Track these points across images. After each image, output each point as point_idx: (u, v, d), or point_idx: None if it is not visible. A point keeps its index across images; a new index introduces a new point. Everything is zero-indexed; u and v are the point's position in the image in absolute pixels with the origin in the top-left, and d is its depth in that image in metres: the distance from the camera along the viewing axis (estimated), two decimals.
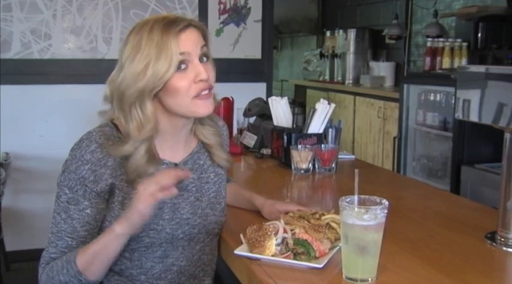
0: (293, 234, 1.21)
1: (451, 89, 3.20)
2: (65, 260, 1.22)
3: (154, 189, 1.16)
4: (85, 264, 1.21)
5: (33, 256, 3.44)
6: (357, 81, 5.03)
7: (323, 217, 1.32)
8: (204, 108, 1.26)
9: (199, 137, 1.39)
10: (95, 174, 1.23)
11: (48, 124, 3.51)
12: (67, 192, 1.24)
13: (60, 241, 1.25)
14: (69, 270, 1.21)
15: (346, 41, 5.16)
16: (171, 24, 1.22)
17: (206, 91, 1.25)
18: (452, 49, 3.67)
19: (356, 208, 1.08)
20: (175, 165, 1.33)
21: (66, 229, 1.25)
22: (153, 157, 1.26)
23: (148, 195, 1.15)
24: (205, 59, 1.27)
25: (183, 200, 1.33)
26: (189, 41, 1.23)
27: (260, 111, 2.51)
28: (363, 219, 1.07)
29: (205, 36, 1.30)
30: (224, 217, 1.41)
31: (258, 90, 3.70)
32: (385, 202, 1.10)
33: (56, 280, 1.23)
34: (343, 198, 1.11)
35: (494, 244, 1.31)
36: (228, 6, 3.80)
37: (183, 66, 1.22)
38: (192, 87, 1.23)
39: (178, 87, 1.22)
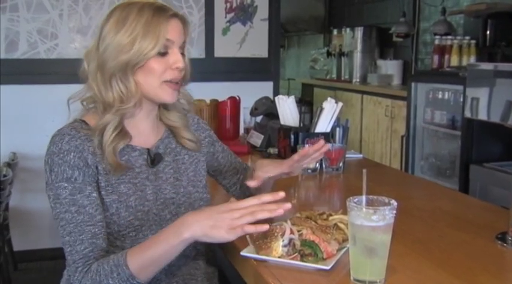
0: (300, 235, 1.20)
1: (460, 87, 3.17)
2: (113, 264, 1.16)
3: (242, 220, 1.13)
4: (140, 268, 1.16)
5: (40, 255, 3.49)
6: (364, 79, 5.01)
7: (330, 218, 1.31)
8: (170, 96, 1.31)
9: (164, 122, 1.42)
10: (81, 159, 1.24)
11: (55, 124, 3.45)
12: (66, 185, 1.23)
13: (83, 234, 1.21)
14: (121, 274, 1.15)
15: (353, 39, 5.13)
16: (162, 9, 1.28)
17: (177, 80, 1.30)
18: (460, 47, 3.64)
19: (364, 209, 1.06)
20: (148, 150, 1.35)
21: (84, 218, 1.21)
22: (124, 133, 1.29)
23: (236, 225, 1.12)
24: (182, 52, 1.32)
25: (163, 181, 1.35)
26: (175, 30, 1.29)
27: (267, 110, 2.49)
28: (371, 220, 1.05)
29: (186, 32, 1.34)
30: (208, 195, 1.44)
31: (264, 89, 3.69)
32: (394, 202, 1.08)
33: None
34: (351, 198, 1.09)
35: (505, 244, 1.28)
36: (234, 5, 3.79)
37: (164, 52, 1.27)
38: (167, 72, 1.28)
39: (154, 69, 1.27)
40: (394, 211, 1.07)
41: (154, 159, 1.35)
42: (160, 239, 1.16)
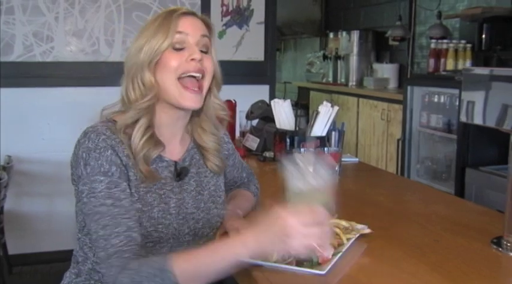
0: None
1: (455, 91, 3.18)
2: (158, 268, 1.09)
3: (315, 234, 1.05)
4: (186, 279, 1.09)
5: (35, 259, 3.47)
6: (360, 83, 5.02)
7: None
8: (191, 101, 1.29)
9: (196, 140, 1.41)
10: (118, 157, 1.22)
11: (51, 127, 3.50)
12: (102, 178, 1.19)
13: (119, 227, 1.16)
14: (165, 280, 1.08)
15: (349, 42, 5.14)
16: (174, 10, 1.32)
17: (195, 74, 1.28)
18: (456, 50, 3.65)
19: (302, 168, 1.04)
20: (175, 163, 1.35)
21: (120, 211, 1.18)
22: (156, 140, 1.28)
23: (308, 238, 1.05)
24: (205, 51, 1.31)
25: (187, 194, 1.34)
26: (188, 23, 1.30)
27: (263, 113, 2.49)
28: (310, 180, 1.03)
29: (210, 31, 1.34)
30: (225, 210, 1.42)
31: (260, 92, 3.69)
32: (335, 164, 1.05)
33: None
34: (288, 156, 1.08)
35: (500, 249, 1.29)
36: (230, 8, 3.79)
37: (179, 46, 1.28)
38: (182, 66, 1.27)
39: (169, 64, 1.27)
40: (334, 172, 1.04)
41: (180, 172, 1.34)
42: (207, 251, 1.11)
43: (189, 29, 1.29)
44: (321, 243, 1.06)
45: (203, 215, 1.36)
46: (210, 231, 1.38)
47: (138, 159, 1.24)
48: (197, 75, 1.29)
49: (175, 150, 1.36)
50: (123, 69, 1.33)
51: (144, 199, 1.26)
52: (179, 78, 1.27)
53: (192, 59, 1.27)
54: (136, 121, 1.27)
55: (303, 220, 1.04)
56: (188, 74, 1.28)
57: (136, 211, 1.24)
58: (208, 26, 1.34)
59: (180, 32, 1.27)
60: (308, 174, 1.03)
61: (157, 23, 1.29)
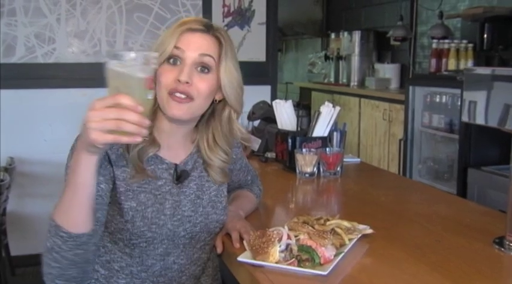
0: (297, 240, 1.20)
1: (457, 91, 3.18)
2: (48, 226, 1.13)
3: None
4: (61, 212, 1.10)
5: (38, 260, 3.44)
6: (362, 83, 5.01)
7: (328, 223, 1.30)
8: (174, 110, 1.27)
9: (201, 153, 1.39)
10: (105, 154, 1.22)
11: (53, 129, 3.51)
12: None
13: None
14: (51, 230, 1.11)
15: (351, 43, 5.14)
16: (183, 23, 1.30)
17: (182, 95, 1.26)
18: (458, 50, 3.65)
19: (124, 55, 1.00)
20: (175, 165, 1.35)
21: None
22: (153, 138, 1.29)
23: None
24: (206, 70, 1.29)
25: (185, 197, 1.34)
26: (190, 41, 1.29)
27: (264, 114, 2.49)
28: (129, 65, 0.99)
29: (220, 48, 1.32)
30: (226, 216, 1.41)
31: (262, 93, 3.68)
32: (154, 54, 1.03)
33: (45, 248, 1.14)
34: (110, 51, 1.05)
35: (502, 249, 1.28)
36: (232, 9, 3.80)
37: (174, 61, 1.28)
38: (170, 84, 1.26)
39: (160, 79, 1.26)
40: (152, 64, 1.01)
41: (180, 175, 1.34)
42: (71, 164, 1.09)
43: (188, 46, 1.27)
44: (120, 128, 0.96)
45: (201, 219, 1.35)
46: (208, 236, 1.37)
47: (132, 155, 1.25)
48: (182, 96, 1.26)
49: (177, 153, 1.36)
50: None
51: (138, 198, 1.27)
52: (169, 93, 1.26)
53: (179, 80, 1.26)
54: None
55: (100, 102, 0.97)
56: (175, 93, 1.26)
57: (130, 209, 1.25)
58: (220, 44, 1.32)
59: (177, 47, 1.27)
60: (128, 59, 1.00)
61: (168, 33, 1.29)
